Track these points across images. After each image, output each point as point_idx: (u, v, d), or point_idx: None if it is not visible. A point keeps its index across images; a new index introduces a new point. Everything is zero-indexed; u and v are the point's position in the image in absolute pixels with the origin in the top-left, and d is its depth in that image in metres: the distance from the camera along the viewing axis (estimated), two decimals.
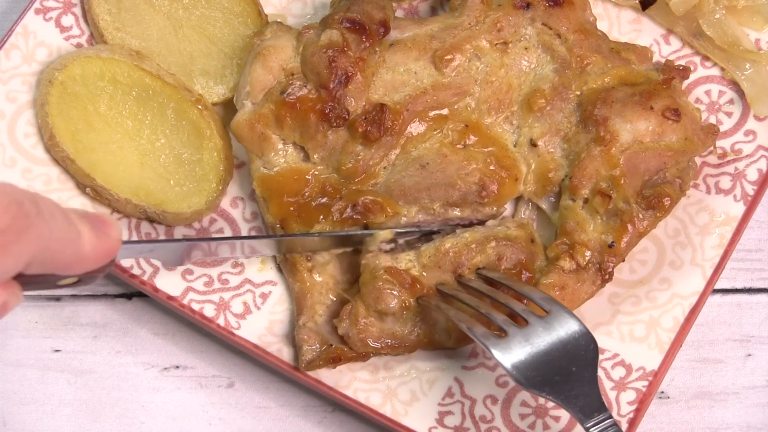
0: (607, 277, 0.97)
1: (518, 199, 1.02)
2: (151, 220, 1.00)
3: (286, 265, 0.98)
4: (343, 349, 0.96)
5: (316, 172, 0.97)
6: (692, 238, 1.02)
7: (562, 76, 0.99)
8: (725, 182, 1.03)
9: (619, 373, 0.98)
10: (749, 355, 1.05)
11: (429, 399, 0.98)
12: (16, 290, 0.69)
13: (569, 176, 0.98)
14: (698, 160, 1.03)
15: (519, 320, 0.89)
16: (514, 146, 0.99)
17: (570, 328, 0.88)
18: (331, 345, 0.96)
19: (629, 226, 0.96)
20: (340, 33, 0.96)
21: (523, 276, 0.96)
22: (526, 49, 1.00)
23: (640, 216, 0.97)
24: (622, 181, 0.96)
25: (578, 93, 0.99)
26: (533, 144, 0.99)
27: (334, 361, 0.95)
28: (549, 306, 0.89)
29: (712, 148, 1.03)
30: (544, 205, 1.00)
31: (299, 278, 0.98)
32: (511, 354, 0.86)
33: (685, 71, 1.01)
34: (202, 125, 1.00)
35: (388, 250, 0.96)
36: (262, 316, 0.99)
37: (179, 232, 1.01)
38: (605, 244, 0.96)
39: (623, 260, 0.98)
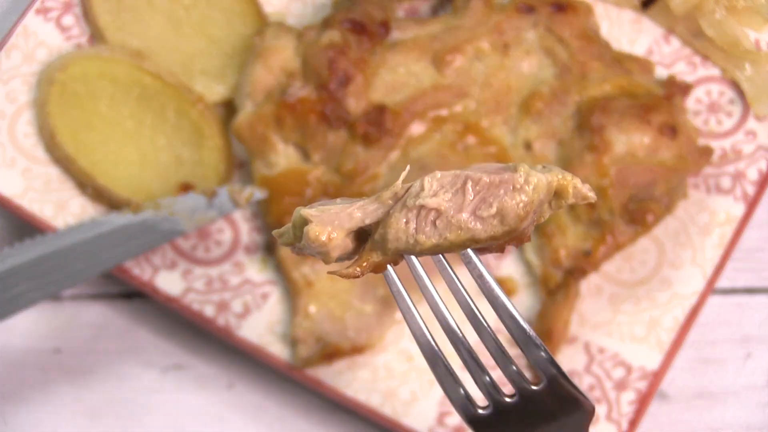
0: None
1: None
2: None
3: (283, 264, 0.99)
4: (338, 346, 0.96)
5: (317, 173, 0.98)
6: (692, 238, 1.02)
7: (562, 80, 0.99)
8: (725, 182, 1.03)
9: (619, 373, 0.98)
10: (749, 355, 1.05)
11: (429, 399, 0.98)
12: None
13: None
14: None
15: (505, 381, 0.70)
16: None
17: (566, 409, 0.67)
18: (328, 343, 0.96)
19: (608, 238, 0.97)
20: (341, 33, 0.96)
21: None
22: (527, 52, 1.00)
23: (621, 229, 0.97)
24: (610, 192, 0.97)
25: (577, 99, 0.99)
26: (528, 146, 0.99)
27: (330, 357, 0.96)
28: (546, 371, 0.67)
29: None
30: None
31: (294, 277, 0.98)
32: None
33: (686, 88, 1.01)
34: (202, 125, 1.00)
35: None
36: (262, 316, 0.99)
37: None
38: (581, 251, 0.97)
39: (596, 270, 0.98)
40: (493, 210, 0.64)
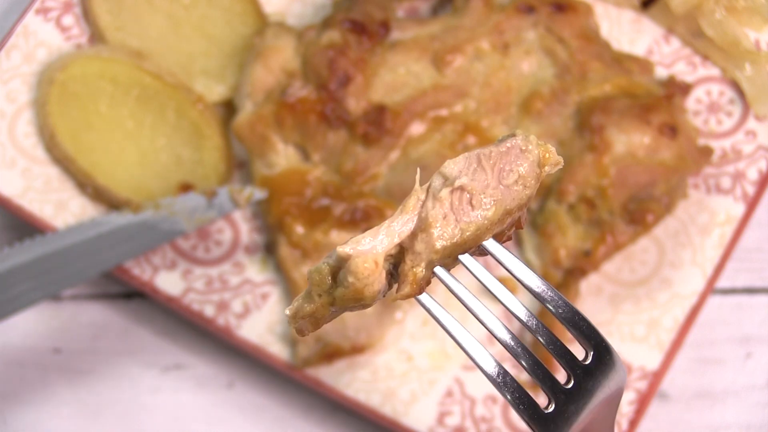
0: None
1: None
2: None
3: (284, 264, 0.99)
4: (338, 346, 0.96)
5: (317, 173, 0.98)
6: (692, 238, 1.02)
7: (562, 80, 0.99)
8: (725, 182, 1.03)
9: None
10: (749, 355, 1.05)
11: (429, 399, 0.98)
12: None
13: (559, 180, 0.98)
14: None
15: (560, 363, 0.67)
16: None
17: (609, 374, 0.66)
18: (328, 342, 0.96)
19: (608, 238, 0.97)
20: (341, 33, 0.96)
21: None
22: (527, 52, 1.00)
23: (621, 229, 0.97)
24: (610, 192, 0.97)
25: (577, 99, 0.99)
26: None
27: (330, 357, 0.96)
28: (590, 341, 0.66)
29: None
30: (533, 207, 1.01)
31: (295, 277, 0.98)
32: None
33: (686, 88, 1.01)
34: (202, 125, 1.00)
35: None
36: (262, 316, 0.99)
37: None
38: (581, 251, 0.97)
39: (596, 270, 0.98)
40: (515, 175, 0.64)
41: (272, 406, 1.03)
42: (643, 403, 0.97)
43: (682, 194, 1.01)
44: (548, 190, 0.99)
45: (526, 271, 0.66)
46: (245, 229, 1.02)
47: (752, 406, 1.04)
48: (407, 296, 0.63)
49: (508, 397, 0.64)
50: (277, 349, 0.98)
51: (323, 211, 0.97)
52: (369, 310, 0.98)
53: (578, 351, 0.65)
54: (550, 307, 0.65)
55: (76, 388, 1.03)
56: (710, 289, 1.00)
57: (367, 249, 0.62)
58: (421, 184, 0.63)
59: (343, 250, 0.61)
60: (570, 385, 0.65)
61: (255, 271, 1.01)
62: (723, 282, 1.06)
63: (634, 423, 0.97)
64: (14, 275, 0.90)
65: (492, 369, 0.64)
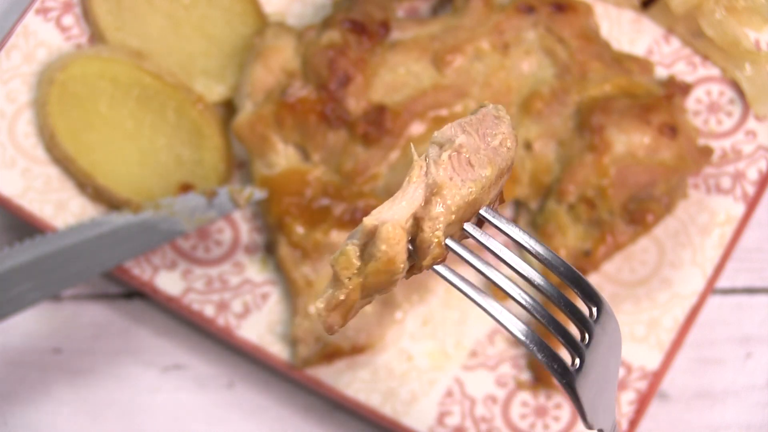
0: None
1: (519, 205, 1.02)
2: None
3: (284, 264, 0.99)
4: (338, 346, 0.96)
5: (317, 173, 0.98)
6: (692, 238, 1.02)
7: (562, 80, 0.99)
8: (725, 182, 1.03)
9: (619, 373, 0.98)
10: (749, 355, 1.05)
11: (429, 399, 0.98)
12: None
13: (559, 180, 0.98)
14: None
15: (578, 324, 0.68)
16: None
17: (614, 328, 0.69)
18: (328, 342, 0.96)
19: (608, 238, 0.97)
20: (341, 33, 0.96)
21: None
22: (527, 52, 1.00)
23: (621, 229, 0.97)
24: (610, 192, 0.97)
25: (577, 99, 0.99)
26: (528, 146, 0.99)
27: (330, 357, 0.96)
28: (591, 298, 0.68)
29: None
30: (533, 207, 1.01)
31: (295, 277, 0.98)
32: (587, 390, 0.67)
33: (686, 88, 1.01)
34: (202, 125, 1.00)
35: None
36: (262, 316, 0.99)
37: None
38: (581, 251, 0.97)
39: (596, 270, 0.98)
40: (499, 137, 0.66)
41: (272, 406, 1.03)
42: (643, 403, 0.97)
43: (682, 194, 1.01)
44: (548, 190, 0.99)
45: (525, 236, 0.68)
46: (245, 229, 1.02)
47: (752, 406, 1.04)
48: (437, 258, 0.64)
49: (540, 357, 0.65)
50: (277, 349, 0.98)
51: (323, 211, 0.97)
52: (369, 309, 0.98)
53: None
54: (554, 270, 0.68)
55: (76, 388, 1.03)
56: (710, 289, 1.00)
57: (391, 215, 0.63)
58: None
59: (370, 221, 0.63)
60: (586, 342, 0.67)
61: (255, 271, 1.01)
62: (723, 282, 1.06)
63: (634, 423, 0.97)
64: (14, 275, 0.90)
65: (521, 332, 0.65)
